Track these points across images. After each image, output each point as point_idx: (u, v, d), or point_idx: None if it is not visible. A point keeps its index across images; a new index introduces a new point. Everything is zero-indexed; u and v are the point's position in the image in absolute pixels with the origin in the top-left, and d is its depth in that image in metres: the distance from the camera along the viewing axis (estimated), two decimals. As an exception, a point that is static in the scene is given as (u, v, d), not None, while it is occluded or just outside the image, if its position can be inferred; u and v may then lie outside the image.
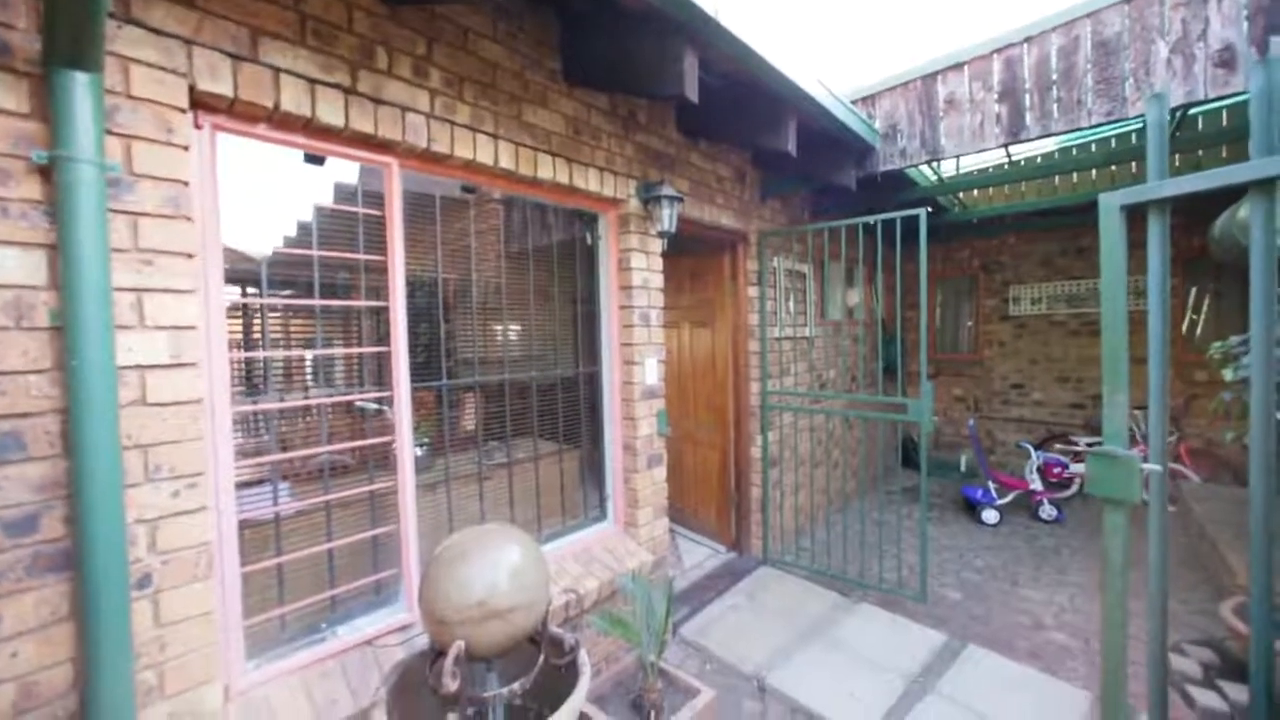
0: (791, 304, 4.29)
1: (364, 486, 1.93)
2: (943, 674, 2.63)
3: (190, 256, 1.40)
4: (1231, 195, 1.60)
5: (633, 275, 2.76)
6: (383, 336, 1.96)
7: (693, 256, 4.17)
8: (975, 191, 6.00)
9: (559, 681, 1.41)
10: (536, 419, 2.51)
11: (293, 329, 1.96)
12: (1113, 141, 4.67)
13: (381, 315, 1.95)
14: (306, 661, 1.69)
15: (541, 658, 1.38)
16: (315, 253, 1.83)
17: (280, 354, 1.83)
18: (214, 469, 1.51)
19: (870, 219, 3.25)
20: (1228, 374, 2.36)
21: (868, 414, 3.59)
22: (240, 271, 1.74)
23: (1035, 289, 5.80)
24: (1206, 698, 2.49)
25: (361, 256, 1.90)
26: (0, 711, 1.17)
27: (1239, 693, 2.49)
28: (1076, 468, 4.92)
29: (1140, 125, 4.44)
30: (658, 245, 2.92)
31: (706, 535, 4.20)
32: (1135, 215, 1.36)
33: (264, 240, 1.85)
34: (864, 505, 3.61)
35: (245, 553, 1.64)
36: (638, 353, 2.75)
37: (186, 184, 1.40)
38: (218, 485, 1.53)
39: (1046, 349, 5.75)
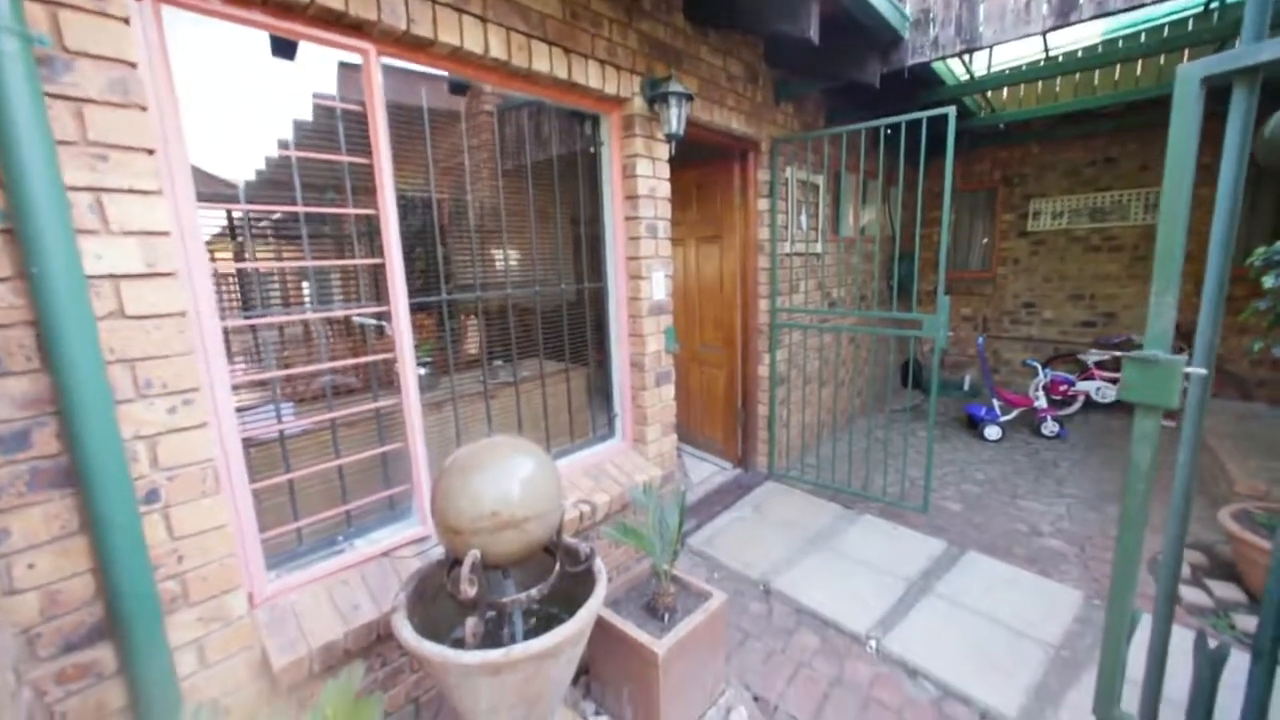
0: (804, 218, 4.08)
1: (369, 404, 1.89)
2: (941, 577, 2.73)
3: (150, 152, 1.26)
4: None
5: (638, 183, 2.57)
6: (376, 250, 1.84)
7: (700, 168, 3.91)
8: (1004, 93, 5.56)
9: (576, 587, 1.43)
10: (542, 337, 2.44)
11: (279, 244, 1.84)
12: (1165, 29, 4.23)
13: (373, 226, 1.81)
14: (327, 572, 1.73)
15: (558, 565, 1.39)
16: (294, 154, 1.66)
17: (266, 265, 1.72)
18: (209, 385, 1.45)
19: (895, 119, 2.98)
20: (1268, 281, 2.25)
21: (880, 330, 3.51)
22: (215, 180, 1.60)
23: (1057, 202, 5.52)
24: (1193, 594, 2.61)
25: (345, 158, 1.73)
26: (29, 617, 1.19)
27: (1225, 590, 2.61)
28: (1082, 385, 4.92)
29: (1200, 6, 4.00)
30: (664, 150, 2.70)
31: (713, 453, 4.26)
32: (1214, 93, 1.20)
33: (238, 144, 1.69)
34: (870, 422, 3.62)
35: (254, 470, 1.63)
36: (644, 266, 2.62)
37: (134, 65, 1.22)
38: (216, 402, 1.47)
39: (1062, 266, 5.57)
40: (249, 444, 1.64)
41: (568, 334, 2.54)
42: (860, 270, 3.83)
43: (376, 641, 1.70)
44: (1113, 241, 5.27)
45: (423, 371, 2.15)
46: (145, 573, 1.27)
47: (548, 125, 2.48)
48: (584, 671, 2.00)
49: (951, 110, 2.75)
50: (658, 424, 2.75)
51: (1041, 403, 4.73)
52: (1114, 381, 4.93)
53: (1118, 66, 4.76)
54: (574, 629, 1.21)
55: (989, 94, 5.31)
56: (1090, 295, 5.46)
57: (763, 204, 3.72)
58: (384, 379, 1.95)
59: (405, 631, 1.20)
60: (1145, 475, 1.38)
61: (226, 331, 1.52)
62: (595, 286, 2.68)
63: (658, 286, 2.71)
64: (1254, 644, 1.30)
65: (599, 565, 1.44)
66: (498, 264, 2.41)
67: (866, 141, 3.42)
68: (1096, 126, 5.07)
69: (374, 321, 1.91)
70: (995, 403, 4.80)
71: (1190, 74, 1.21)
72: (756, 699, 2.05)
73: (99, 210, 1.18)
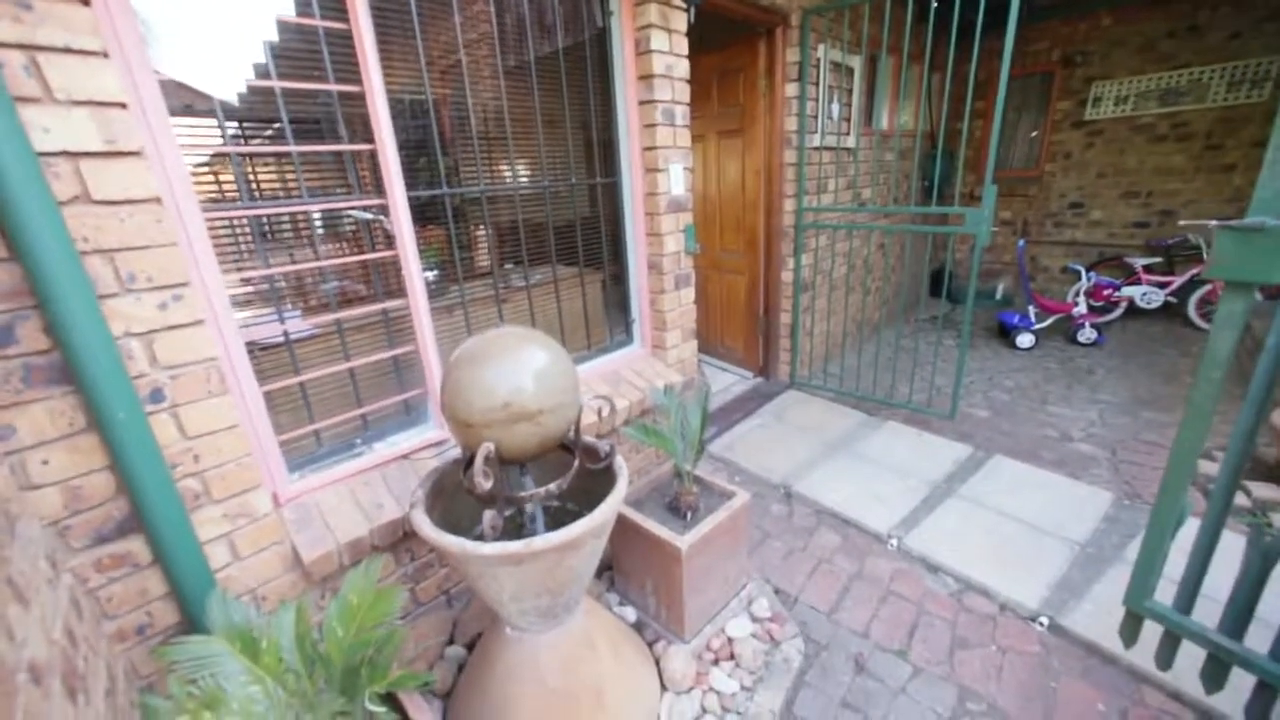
0: (835, 108, 3.69)
1: (375, 305, 1.80)
2: (966, 480, 2.70)
3: (85, 3, 1.08)
4: None
5: (653, 61, 2.28)
6: (366, 136, 1.66)
7: (721, 52, 3.51)
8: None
9: (597, 486, 1.39)
10: (554, 240, 2.28)
11: (257, 127, 1.67)
12: None
13: (357, 106, 1.62)
14: (348, 473, 1.73)
15: (576, 462, 1.35)
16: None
17: (246, 150, 1.56)
18: (199, 280, 1.36)
19: (951, -27, 2.56)
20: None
21: (916, 229, 3.25)
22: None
23: (1123, 85, 4.90)
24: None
25: (319, 23, 1.51)
26: (54, 510, 1.19)
27: (1265, 490, 2.53)
28: (1128, 290, 4.63)
29: None
30: (683, 20, 2.37)
31: (733, 363, 4.19)
32: None
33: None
34: (898, 331, 3.47)
35: (263, 373, 1.58)
36: (661, 158, 2.39)
37: (47, -114, 1.02)
38: (210, 298, 1.39)
39: (1120, 159, 5.05)
40: (256, 347, 1.58)
41: (581, 236, 2.38)
42: (893, 169, 3.50)
43: (403, 538, 1.73)
44: (1182, 129, 4.72)
45: (431, 276, 2.04)
46: (161, 470, 1.26)
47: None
48: (607, 567, 2.05)
49: (1021, -44, 2.33)
50: (677, 329, 2.64)
51: (1081, 309, 4.48)
52: (1162, 286, 4.63)
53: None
54: (596, 521, 1.18)
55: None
56: (1147, 193, 4.99)
57: (791, 89, 3.35)
58: (388, 281, 1.85)
59: (425, 526, 1.18)
60: (1223, 362, 1.25)
61: (213, 225, 1.41)
62: (609, 182, 2.47)
63: (676, 180, 2.49)
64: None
65: (619, 462, 1.40)
66: (502, 165, 2.21)
67: (914, 10, 2.98)
68: (1184, -14, 4.38)
69: (371, 216, 1.77)
70: (1031, 309, 4.57)
71: None
72: (777, 591, 2.10)
73: (36, 73, 1.03)
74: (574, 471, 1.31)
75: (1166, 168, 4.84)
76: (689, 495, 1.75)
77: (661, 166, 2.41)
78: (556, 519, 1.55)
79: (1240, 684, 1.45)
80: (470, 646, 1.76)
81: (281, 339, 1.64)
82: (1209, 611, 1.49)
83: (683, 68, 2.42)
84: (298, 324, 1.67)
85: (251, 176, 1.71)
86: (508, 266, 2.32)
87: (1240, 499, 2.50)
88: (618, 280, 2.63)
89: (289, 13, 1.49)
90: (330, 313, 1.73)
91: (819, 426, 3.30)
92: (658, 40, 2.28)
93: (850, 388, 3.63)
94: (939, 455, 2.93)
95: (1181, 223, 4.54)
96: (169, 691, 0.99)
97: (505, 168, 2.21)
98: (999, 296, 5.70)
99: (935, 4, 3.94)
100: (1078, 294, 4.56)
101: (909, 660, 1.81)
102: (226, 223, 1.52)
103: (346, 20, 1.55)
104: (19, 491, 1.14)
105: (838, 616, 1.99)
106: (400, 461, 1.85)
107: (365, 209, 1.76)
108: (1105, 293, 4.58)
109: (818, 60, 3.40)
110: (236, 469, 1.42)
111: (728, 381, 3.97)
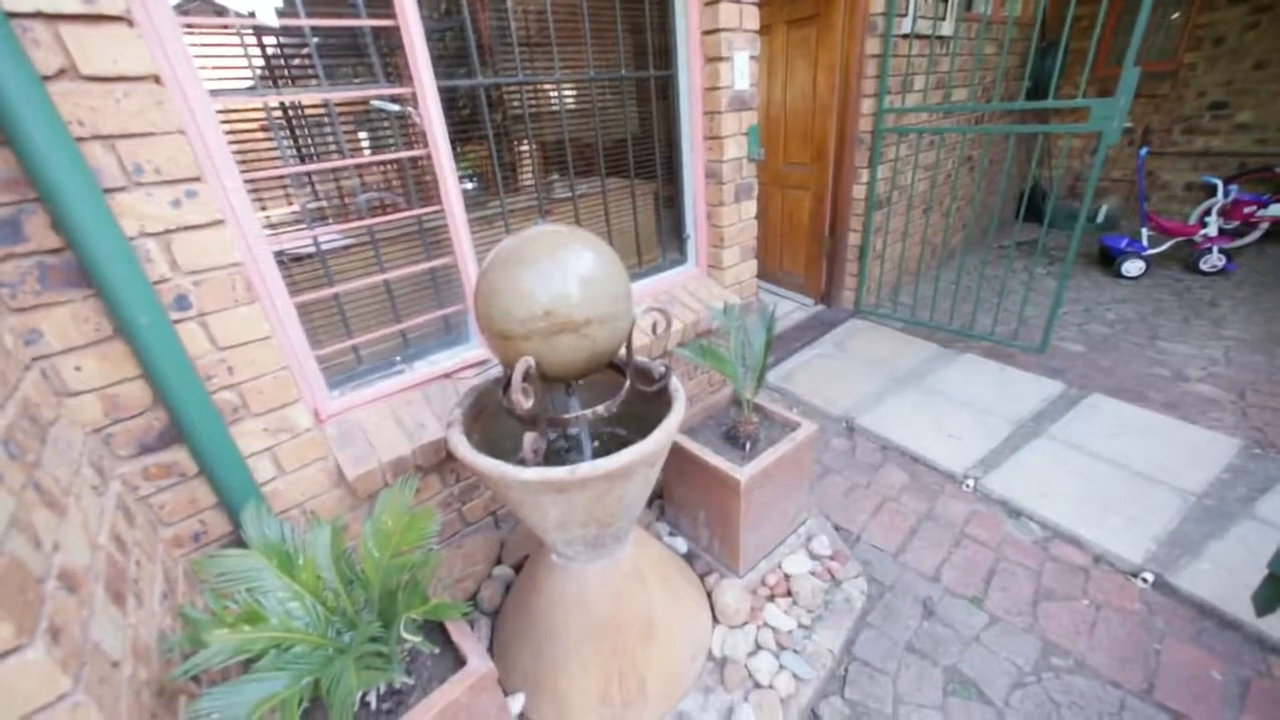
0: (932, -18, 3.09)
1: (408, 211, 1.65)
2: (1057, 420, 2.41)
3: None
4: None
5: (718, -86, 1.89)
6: (386, 9, 1.44)
7: (797, -91, 2.95)
8: None
9: (650, 410, 1.25)
10: (601, 145, 2.02)
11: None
12: None
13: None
14: (389, 391, 1.66)
15: (628, 383, 1.19)
16: None
17: (249, 24, 1.37)
18: (215, 174, 1.24)
19: None
20: None
21: (1024, 128, 2.76)
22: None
23: (1306, -58, 3.89)
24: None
25: None
26: (94, 417, 1.16)
27: None
28: (1276, 208, 3.90)
29: None
30: None
31: (792, 289, 3.88)
32: None
33: None
34: (983, 257, 3.05)
35: (295, 284, 1.49)
36: (725, 43, 2.04)
37: None
38: (229, 198, 1.27)
39: (1288, 43, 4.11)
40: (286, 258, 1.48)
41: (631, 142, 2.11)
42: (1002, 63, 2.91)
43: (447, 459, 1.68)
44: (1381, -1, 3.75)
45: (470, 186, 1.87)
46: (194, 381, 1.20)
47: None
48: (657, 496, 1.96)
49: None
50: (736, 246, 2.38)
51: (1210, 229, 3.83)
52: (1322, 200, 3.87)
53: None
54: (649, 448, 1.04)
55: None
56: (1316, 87, 4.08)
57: (881, -42, 2.80)
58: (427, 192, 1.68)
59: (461, 446, 1.08)
60: None
61: (225, 115, 1.27)
62: (663, 75, 2.15)
63: (740, 72, 2.14)
64: None
65: (676, 383, 1.24)
66: (542, 51, 1.93)
67: None
68: None
69: (399, 108, 1.58)
70: (1144, 232, 3.96)
71: None
72: (838, 529, 1.96)
73: (-8, -93, 0.87)
74: (625, 393, 1.17)
75: (1349, 53, 3.92)
76: (749, 424, 1.59)
77: (725, 54, 2.06)
78: (606, 446, 1.44)
79: None
80: (518, 568, 1.73)
81: (312, 249, 1.53)
82: (1382, 581, 1.24)
83: (753, -77, 2.00)
84: (329, 234, 1.55)
85: (269, 65, 1.53)
86: (551, 177, 2.10)
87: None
88: (671, 193, 2.37)
89: None
90: (361, 220, 1.59)
91: (886, 358, 3.02)
92: (725, -114, 1.87)
93: (924, 318, 3.29)
94: (1025, 392, 2.63)
95: None
96: (208, 604, 0.96)
97: (548, 59, 1.94)
98: (1101, 219, 4.97)
99: None
100: (1209, 213, 3.89)
101: (984, 608, 1.66)
102: (242, 115, 1.37)
103: None
104: (57, 398, 1.10)
105: (904, 558, 1.84)
106: (442, 381, 1.76)
107: (391, 99, 1.56)
108: (1246, 210, 3.88)
109: (916, -81, 2.81)
110: (273, 382, 1.36)
111: (786, 309, 3.69)
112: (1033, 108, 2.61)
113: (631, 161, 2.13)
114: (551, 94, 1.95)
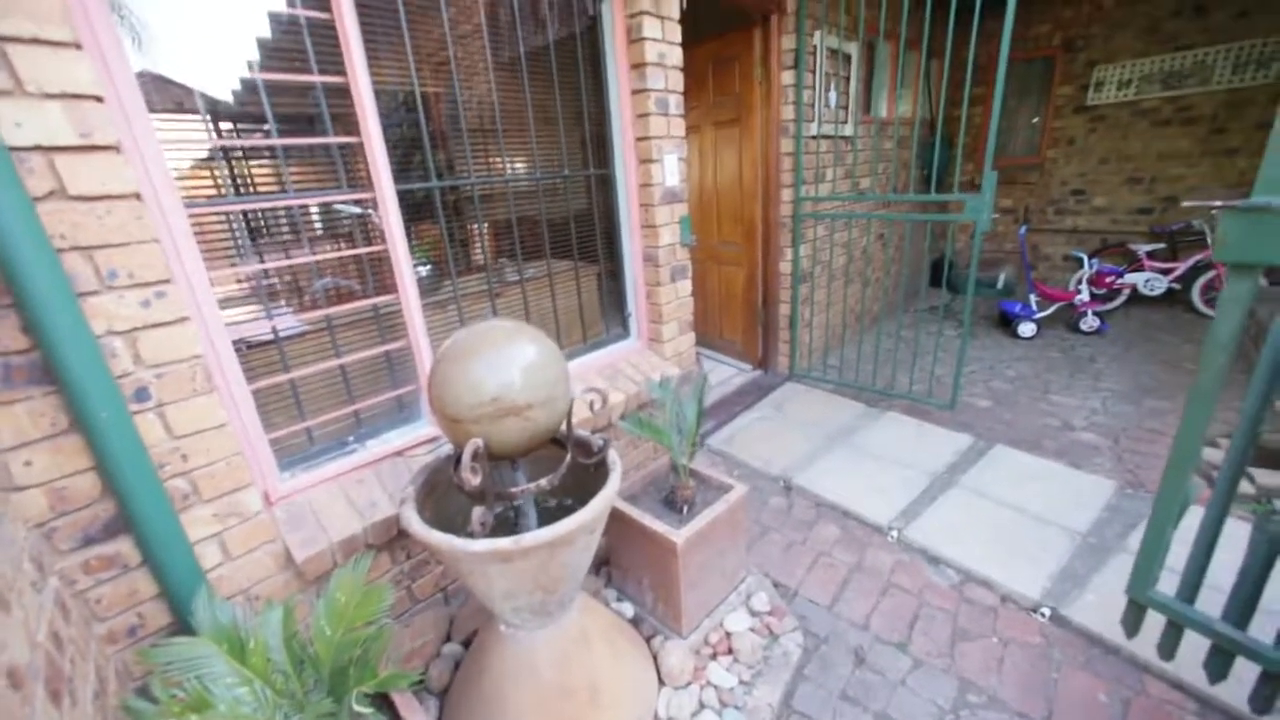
0: (833, 95, 3.65)
1: (365, 300, 1.78)
2: (967, 470, 2.68)
3: (55, -10, 1.05)
4: None
5: (645, 49, 2.24)
6: (352, 129, 1.63)
7: (715, 40, 3.46)
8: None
9: (590, 481, 1.37)
10: (548, 233, 2.25)
11: (238, 123, 1.64)
12: None
13: (343, 101, 1.59)
14: (340, 471, 1.71)
15: (568, 456, 1.33)
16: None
17: (227, 144, 1.53)
18: (184, 276, 1.34)
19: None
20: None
21: (916, 218, 3.22)
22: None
23: (1127, 68, 4.83)
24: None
25: (301, 11, 1.48)
26: (39, 512, 1.17)
27: (1269, 478, 2.50)
28: (1131, 277, 4.59)
29: None
30: (675, 7, 2.33)
31: (732, 355, 4.16)
32: None
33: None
34: (899, 321, 3.44)
35: (252, 371, 1.56)
36: (655, 148, 2.35)
37: (13, -128, 0.99)
38: (196, 296, 1.37)
39: (1123, 145, 4.99)
40: (245, 345, 1.56)
41: (575, 229, 2.35)
42: (891, 158, 3.43)
43: (398, 536, 1.72)
44: (1186, 113, 4.65)
45: (424, 272, 2.02)
46: (148, 470, 1.24)
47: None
48: (604, 563, 2.04)
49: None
50: (674, 321, 2.61)
51: (1084, 296, 4.44)
52: (1165, 272, 4.59)
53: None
54: (588, 516, 1.16)
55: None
56: (1151, 178, 4.92)
57: (787, 77, 3.30)
58: (382, 282, 1.83)
59: (414, 523, 1.17)
60: (1227, 347, 1.22)
61: (196, 221, 1.39)
62: (602, 174, 2.44)
63: (670, 171, 2.46)
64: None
65: (613, 456, 1.38)
66: (494, 159, 2.17)
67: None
68: (1187, -34, 4.31)
69: (360, 210, 1.75)
70: (1032, 298, 4.53)
71: None
72: (776, 585, 2.08)
73: (6, 64, 1.01)
74: (566, 466, 1.30)
75: (1170, 152, 4.78)
76: (685, 489, 1.73)
77: (655, 157, 2.37)
78: (552, 515, 1.53)
79: (1244, 674, 1.43)
80: (467, 644, 1.75)
81: (270, 336, 1.62)
82: (1213, 601, 1.47)
83: (676, 55, 2.38)
84: (287, 321, 1.65)
85: (237, 173, 1.68)
86: (501, 261, 2.29)
87: (1245, 486, 2.47)
88: (613, 274, 2.60)
89: (275, 3, 1.46)
90: (320, 309, 1.70)
91: (819, 419, 3.28)
92: (650, 27, 2.24)
93: (850, 379, 3.61)
94: (940, 446, 2.91)
95: (1185, 203, 4.48)
96: (155, 694, 0.98)
97: (497, 160, 2.18)
98: (1000, 286, 5.64)
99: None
100: (1080, 282, 4.52)
101: (909, 653, 1.79)
102: (211, 219, 1.50)
103: (329, 10, 1.52)
104: (3, 494, 1.12)
105: (838, 609, 1.97)
106: (394, 458, 1.83)
107: (354, 203, 1.73)
108: (1108, 280, 4.54)
109: (814, 47, 3.35)
110: (226, 468, 1.40)
111: (727, 374, 3.95)
112: (919, 200, 3.09)
113: (575, 245, 2.36)
114: (502, 191, 2.17)
